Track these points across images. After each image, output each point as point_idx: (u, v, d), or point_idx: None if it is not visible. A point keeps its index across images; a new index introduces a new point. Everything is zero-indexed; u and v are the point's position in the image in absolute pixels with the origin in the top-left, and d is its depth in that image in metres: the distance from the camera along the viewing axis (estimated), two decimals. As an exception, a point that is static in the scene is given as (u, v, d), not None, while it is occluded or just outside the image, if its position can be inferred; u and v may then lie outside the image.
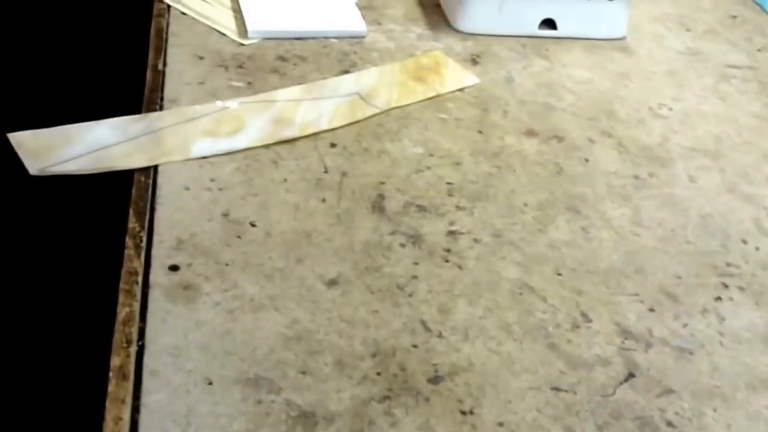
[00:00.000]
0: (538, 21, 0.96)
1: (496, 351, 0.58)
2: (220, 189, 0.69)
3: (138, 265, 0.61)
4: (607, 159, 0.79)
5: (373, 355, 0.56)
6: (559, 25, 0.97)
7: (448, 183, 0.73)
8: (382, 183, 0.72)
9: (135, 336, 0.56)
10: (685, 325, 0.62)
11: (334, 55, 0.88)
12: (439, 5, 1.00)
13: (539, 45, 0.95)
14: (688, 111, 0.87)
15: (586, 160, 0.78)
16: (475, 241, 0.67)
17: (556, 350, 0.58)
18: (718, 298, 0.65)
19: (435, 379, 0.55)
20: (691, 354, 0.60)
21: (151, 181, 0.69)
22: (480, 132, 0.80)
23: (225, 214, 0.66)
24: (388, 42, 0.92)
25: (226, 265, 0.62)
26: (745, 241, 0.71)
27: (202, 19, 0.91)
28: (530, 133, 0.81)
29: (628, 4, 0.98)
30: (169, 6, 0.92)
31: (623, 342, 0.60)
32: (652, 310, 0.63)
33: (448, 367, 0.56)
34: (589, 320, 0.61)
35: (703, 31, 1.04)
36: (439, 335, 0.59)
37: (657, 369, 0.58)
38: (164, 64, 0.83)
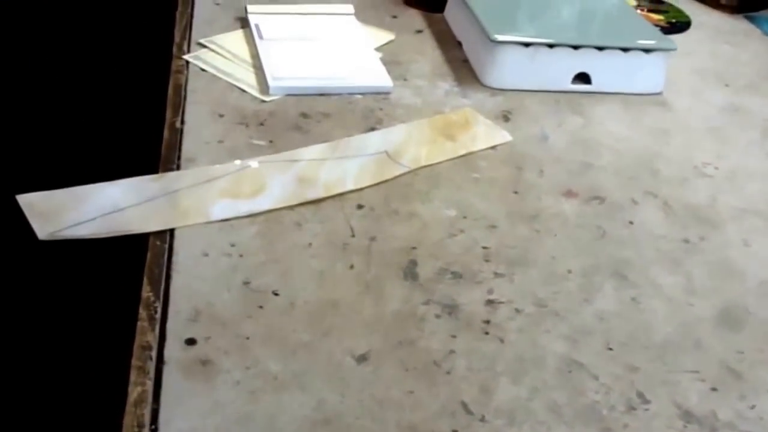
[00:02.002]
0: (572, 75, 0.92)
1: (546, 438, 0.52)
2: (241, 255, 0.64)
3: (152, 338, 0.57)
4: (653, 221, 0.73)
5: (410, 443, 0.51)
6: (593, 79, 0.93)
7: (484, 247, 0.68)
8: (414, 248, 0.67)
9: (147, 419, 0.51)
10: (752, 407, 0.56)
11: (359, 111, 0.85)
12: (466, 60, 0.97)
13: (573, 100, 0.91)
14: (735, 169, 0.83)
15: (631, 222, 0.73)
16: (517, 311, 0.62)
17: (612, 437, 0.53)
18: (788, 376, 0.59)
19: (479, 471, 0.50)
20: (763, 441, 0.54)
21: (167, 246, 0.64)
22: (515, 192, 0.75)
23: (246, 282, 0.62)
24: (415, 98, 0.88)
25: (247, 338, 0.57)
26: (808, 311, 0.65)
27: (221, 76, 0.88)
28: (569, 193, 0.76)
29: (666, 58, 0.94)
30: (187, 62, 0.89)
31: (685, 426, 0.54)
32: (714, 389, 0.57)
33: (494, 457, 0.51)
34: (647, 401, 0.56)
35: (743, 86, 0.99)
36: (482, 419, 0.53)
37: (726, 458, 0.52)
38: (182, 122, 0.79)
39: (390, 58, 0.95)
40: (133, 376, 0.54)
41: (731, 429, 0.54)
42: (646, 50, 0.92)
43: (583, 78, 0.93)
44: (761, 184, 0.81)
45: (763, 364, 0.60)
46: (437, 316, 0.61)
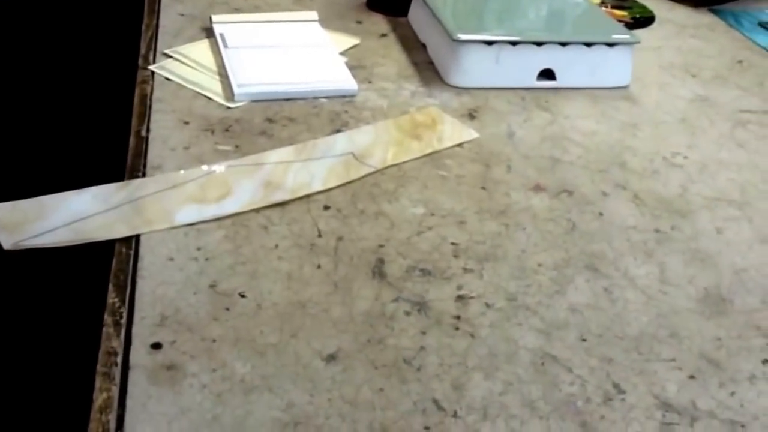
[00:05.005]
0: (536, 72, 0.92)
1: None
2: (207, 258, 0.63)
3: (117, 344, 0.55)
4: (624, 212, 0.73)
5: (382, 441, 0.50)
6: (558, 75, 0.93)
7: (453, 244, 0.67)
8: (381, 246, 0.66)
9: (113, 425, 0.50)
10: (732, 394, 0.56)
11: (325, 115, 0.84)
12: (431, 62, 0.96)
13: (539, 97, 0.91)
14: (705, 160, 0.83)
15: (601, 214, 0.73)
16: (487, 305, 0.61)
17: (588, 429, 0.52)
18: (766, 361, 0.58)
19: (453, 466, 0.49)
20: (743, 427, 0.53)
21: (132, 252, 0.63)
22: (483, 188, 0.75)
23: (212, 286, 0.60)
24: (381, 100, 0.88)
25: (214, 341, 0.56)
26: (782, 296, 0.65)
27: (187, 85, 0.86)
28: (537, 187, 0.75)
29: (630, 52, 0.94)
30: (153, 72, 0.88)
31: (664, 416, 0.53)
32: (692, 377, 0.57)
33: (468, 452, 0.50)
34: (623, 392, 0.55)
35: (711, 78, 1.00)
36: (455, 415, 0.52)
37: (704, 445, 0.52)
38: (148, 130, 0.78)
39: (355, 63, 0.94)
40: (98, 382, 0.52)
41: (712, 417, 0.54)
42: (610, 44, 0.92)
43: (548, 74, 0.93)
44: (733, 173, 0.81)
45: (742, 351, 0.59)
46: (407, 314, 0.60)
